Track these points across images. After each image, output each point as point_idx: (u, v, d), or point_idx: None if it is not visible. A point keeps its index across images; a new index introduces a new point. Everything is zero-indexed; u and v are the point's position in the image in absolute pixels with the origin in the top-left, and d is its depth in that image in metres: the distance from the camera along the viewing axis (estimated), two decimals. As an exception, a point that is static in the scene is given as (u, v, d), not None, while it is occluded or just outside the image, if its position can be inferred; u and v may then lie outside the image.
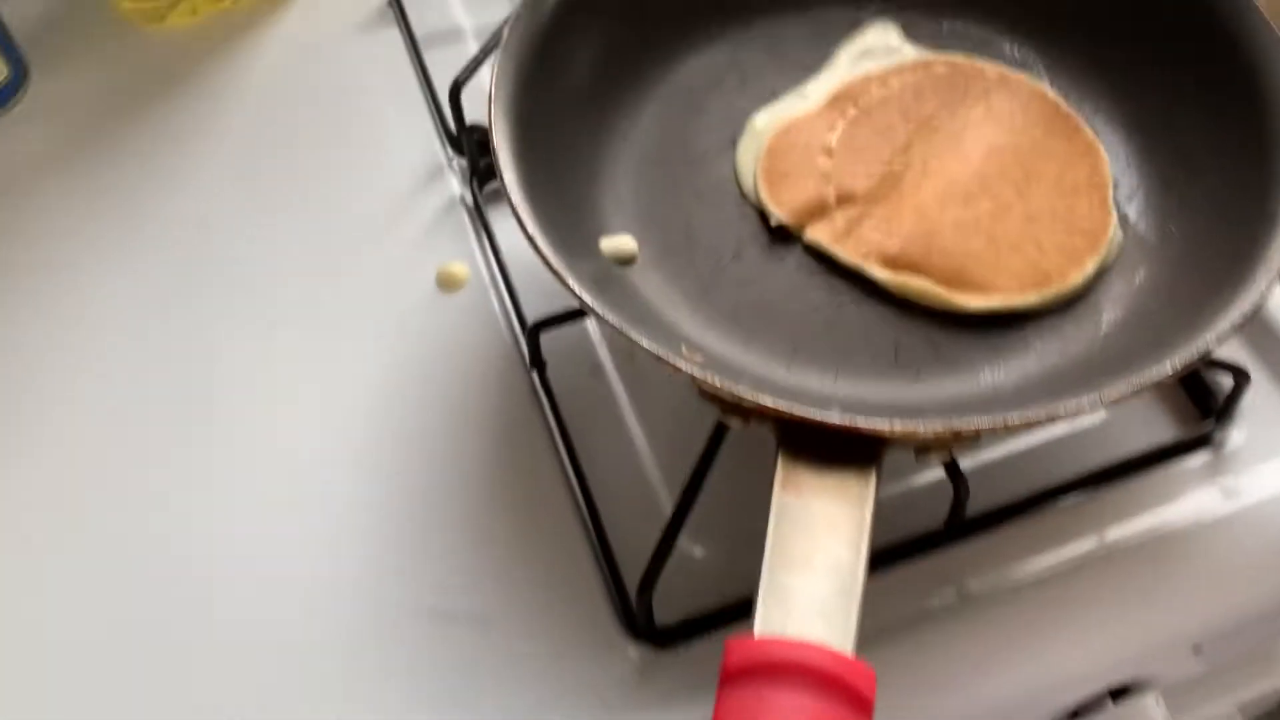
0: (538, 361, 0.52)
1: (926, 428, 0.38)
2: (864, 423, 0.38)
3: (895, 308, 0.48)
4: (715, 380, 0.39)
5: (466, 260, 0.56)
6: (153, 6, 0.65)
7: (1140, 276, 0.48)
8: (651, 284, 0.49)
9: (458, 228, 0.58)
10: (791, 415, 0.38)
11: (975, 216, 0.49)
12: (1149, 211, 0.50)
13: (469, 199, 0.59)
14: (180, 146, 0.62)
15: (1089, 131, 0.52)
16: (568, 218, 0.49)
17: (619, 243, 0.50)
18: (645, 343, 0.40)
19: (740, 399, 0.39)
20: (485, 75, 0.60)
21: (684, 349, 0.45)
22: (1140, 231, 0.50)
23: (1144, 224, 0.50)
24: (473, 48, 0.66)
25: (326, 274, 0.56)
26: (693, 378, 0.39)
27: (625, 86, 0.55)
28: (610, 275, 0.49)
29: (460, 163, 0.61)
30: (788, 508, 0.37)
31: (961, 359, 0.47)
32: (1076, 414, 0.38)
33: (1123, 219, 0.50)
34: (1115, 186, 0.51)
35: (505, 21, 0.54)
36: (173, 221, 0.59)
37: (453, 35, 0.67)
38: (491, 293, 0.55)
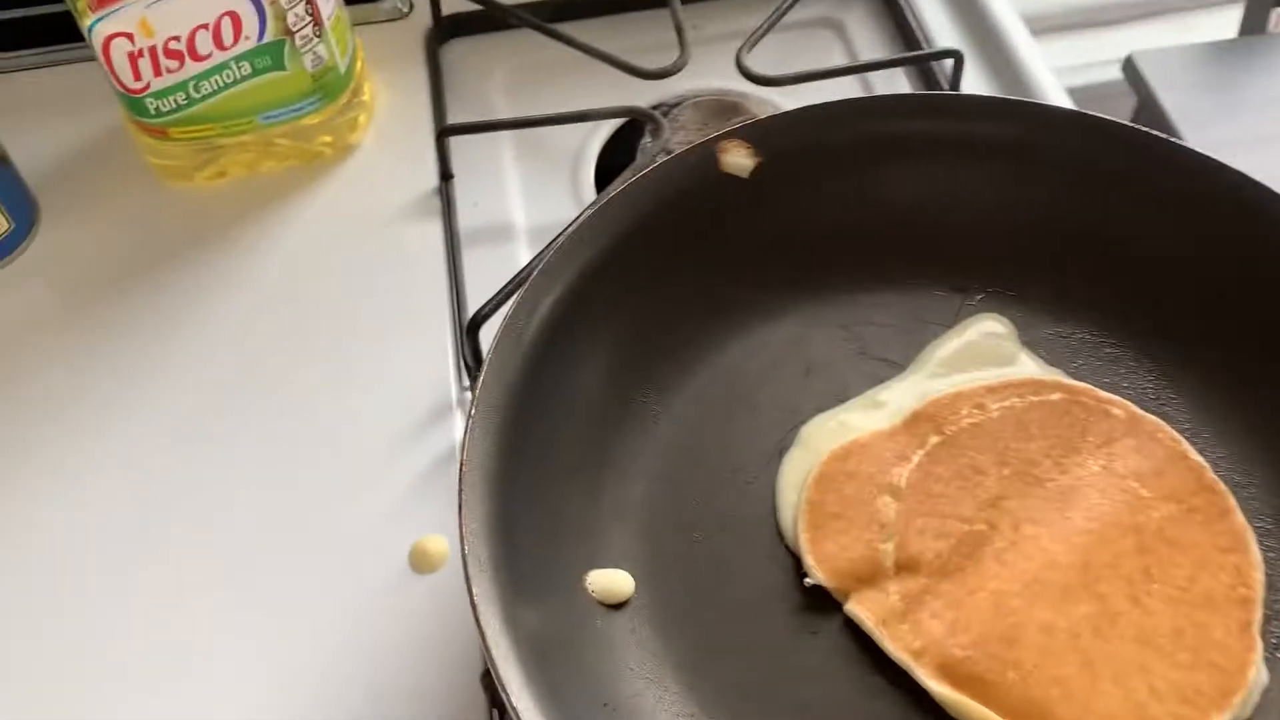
0: (496, 699, 0.42)
1: None
2: None
3: (947, 733, 0.37)
4: None
5: (450, 531, 0.47)
6: (178, 164, 0.58)
7: (1285, 751, 0.36)
8: (639, 641, 0.39)
9: (451, 487, 0.49)
10: None
11: (1070, 624, 0.38)
12: (1308, 650, 0.38)
13: (472, 448, 0.50)
14: (181, 314, 0.55)
15: (1240, 517, 0.40)
16: (554, 534, 0.40)
17: (611, 581, 0.40)
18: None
19: None
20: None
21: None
22: (1292, 678, 0.38)
23: (1298, 667, 0.38)
24: (523, 252, 0.57)
25: (296, 521, 0.48)
26: None
27: (659, 364, 0.45)
28: (584, 624, 0.39)
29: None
30: None
31: (1023, 834, 0.35)
32: None
33: (1269, 652, 0.38)
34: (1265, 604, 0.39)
35: (539, 255, 0.46)
36: (158, 408, 0.51)
37: (502, 233, 0.59)
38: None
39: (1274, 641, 0.38)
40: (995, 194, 0.47)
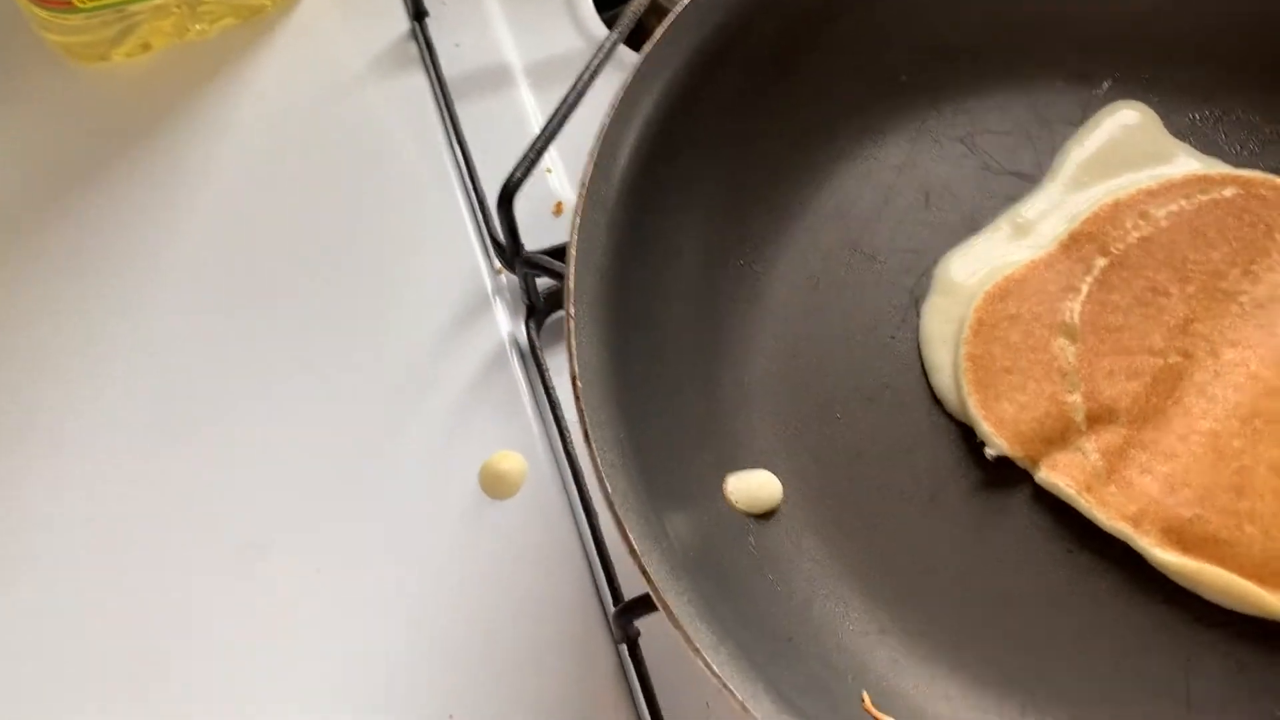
0: (628, 635, 0.35)
1: None
2: None
3: (1182, 606, 0.32)
4: None
5: (522, 443, 0.40)
6: (88, 40, 0.47)
7: None
8: (802, 552, 0.33)
9: (508, 391, 0.41)
10: None
11: (1307, 460, 0.32)
12: None
13: (523, 340, 0.42)
14: (135, 228, 0.45)
15: None
16: (680, 443, 0.33)
17: (753, 484, 0.33)
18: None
19: None
20: (541, 172, 0.43)
21: (849, 679, 0.29)
22: None
23: None
24: (526, 97, 0.48)
25: (341, 464, 0.40)
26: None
27: (754, 215, 0.37)
28: (737, 547, 0.32)
29: (510, 280, 0.44)
30: None
31: (1295, 708, 0.30)
32: None
33: None
34: None
35: (565, 100, 0.37)
36: (116, 355, 0.42)
37: (497, 76, 0.49)
38: (559, 500, 0.39)
39: None
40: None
